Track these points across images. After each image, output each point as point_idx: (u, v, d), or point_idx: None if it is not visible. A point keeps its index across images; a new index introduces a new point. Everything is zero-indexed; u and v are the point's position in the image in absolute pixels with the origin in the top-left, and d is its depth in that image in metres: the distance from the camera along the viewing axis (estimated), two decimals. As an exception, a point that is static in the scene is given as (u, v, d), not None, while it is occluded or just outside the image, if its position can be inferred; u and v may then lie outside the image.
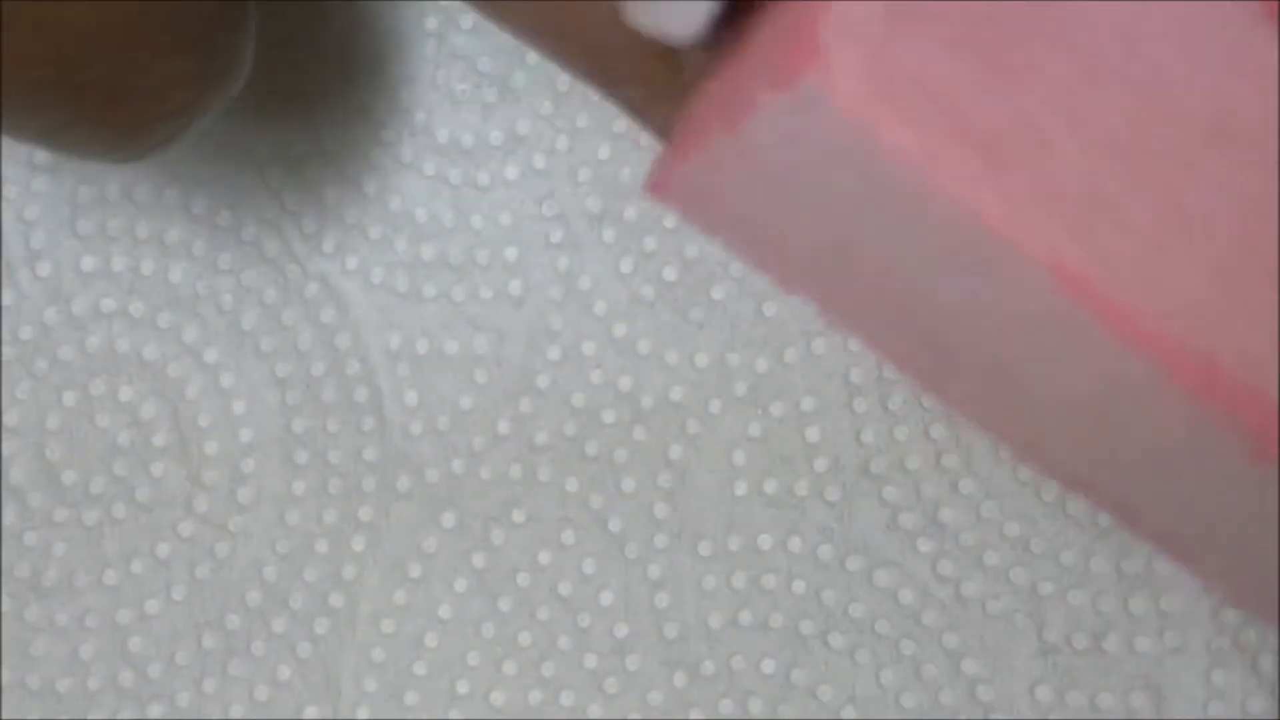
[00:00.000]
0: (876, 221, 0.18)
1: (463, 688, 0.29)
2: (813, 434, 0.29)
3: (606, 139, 0.30)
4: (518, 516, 0.29)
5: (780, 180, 0.18)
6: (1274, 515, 0.19)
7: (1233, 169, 0.18)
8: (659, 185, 0.19)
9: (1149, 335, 0.17)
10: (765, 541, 0.29)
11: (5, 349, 0.30)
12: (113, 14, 0.23)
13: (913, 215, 0.18)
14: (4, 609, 0.30)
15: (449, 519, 0.29)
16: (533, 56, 0.30)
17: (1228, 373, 0.17)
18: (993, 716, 0.28)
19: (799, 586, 0.29)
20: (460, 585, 0.29)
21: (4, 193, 0.31)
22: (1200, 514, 0.20)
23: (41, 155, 0.31)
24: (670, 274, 0.29)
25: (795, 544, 0.29)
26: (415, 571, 0.29)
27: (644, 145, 0.30)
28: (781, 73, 0.17)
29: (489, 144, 0.30)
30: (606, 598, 0.29)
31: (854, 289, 0.20)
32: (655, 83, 0.22)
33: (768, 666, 0.28)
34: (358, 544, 0.29)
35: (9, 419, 0.30)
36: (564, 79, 0.30)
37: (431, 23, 0.30)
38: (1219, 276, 0.17)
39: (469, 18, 0.30)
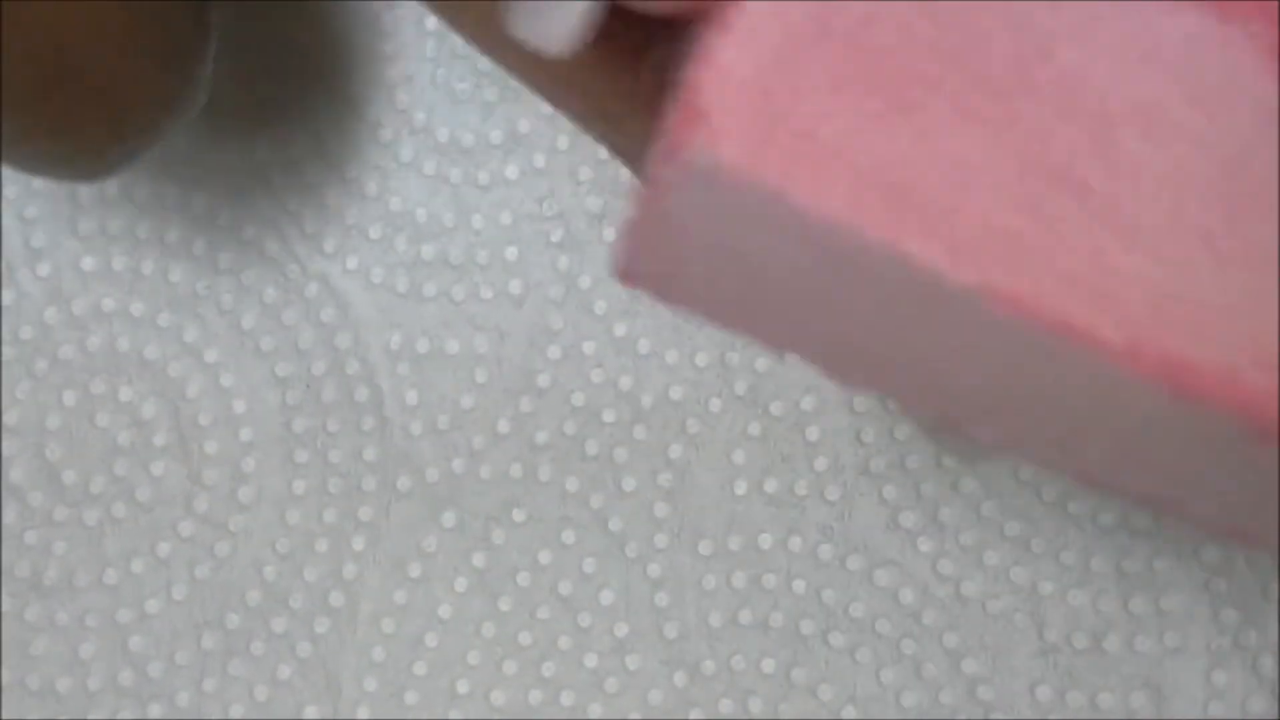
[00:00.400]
0: (812, 274, 0.18)
1: (463, 687, 0.29)
2: (813, 433, 0.29)
3: (606, 139, 0.30)
4: (518, 516, 0.29)
5: (716, 248, 0.18)
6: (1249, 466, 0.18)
7: (1156, 158, 0.17)
8: (624, 274, 0.19)
9: (1097, 338, 0.17)
10: (765, 541, 0.29)
11: (5, 349, 0.30)
12: (91, 28, 0.23)
13: (840, 264, 0.17)
14: (4, 609, 0.30)
15: (449, 518, 0.29)
16: (533, 56, 0.30)
17: (1181, 358, 0.17)
18: (993, 716, 0.28)
19: (799, 586, 0.29)
20: (460, 585, 0.29)
21: (4, 193, 0.31)
22: (1176, 477, 0.20)
23: (42, 155, 0.31)
24: (670, 274, 0.29)
25: (795, 543, 0.29)
26: (415, 571, 0.29)
27: (644, 145, 0.30)
28: (672, 143, 0.17)
29: (489, 143, 0.30)
30: (606, 597, 0.29)
31: (825, 339, 0.20)
32: (590, 98, 0.22)
33: (768, 666, 0.28)
34: (358, 543, 0.29)
35: (9, 419, 0.30)
36: (564, 79, 0.30)
37: (431, 23, 0.30)
38: (1162, 268, 0.17)
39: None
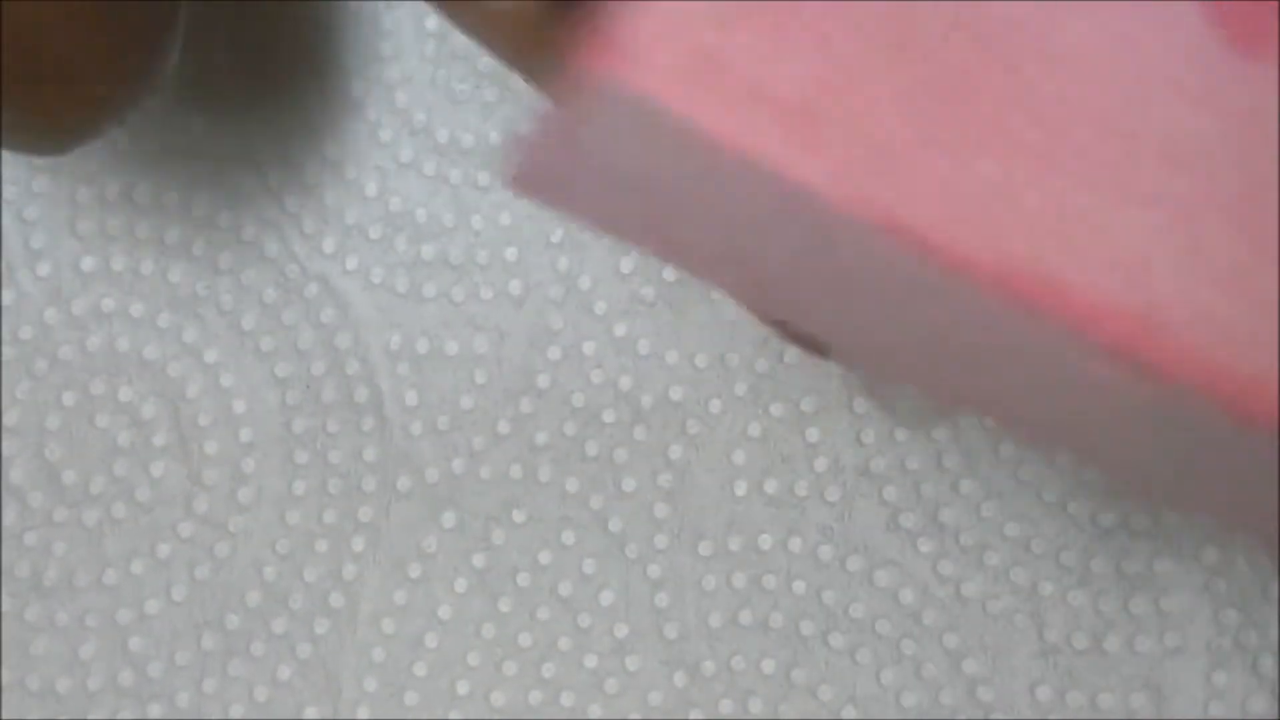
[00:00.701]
0: (715, 197, 0.18)
1: (463, 688, 0.29)
2: (813, 434, 0.29)
3: (606, 139, 0.30)
4: (518, 516, 0.29)
5: (618, 166, 0.18)
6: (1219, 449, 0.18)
7: (1065, 88, 0.17)
8: (516, 183, 0.19)
9: (991, 273, 0.17)
10: (765, 541, 0.29)
11: (5, 349, 0.30)
12: (61, 8, 0.23)
13: (747, 193, 0.17)
14: (4, 609, 0.30)
15: (449, 519, 0.29)
16: (533, 56, 0.30)
17: (1075, 290, 0.17)
18: (993, 716, 0.28)
19: (799, 586, 0.29)
20: (460, 585, 0.29)
21: (4, 193, 0.31)
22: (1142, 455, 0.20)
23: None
24: (670, 274, 0.29)
25: (795, 544, 0.29)
26: (415, 571, 0.29)
27: (644, 145, 0.30)
28: (599, 67, 0.17)
29: (489, 143, 0.30)
30: (606, 598, 0.29)
31: (720, 259, 0.19)
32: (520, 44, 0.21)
33: (768, 666, 0.28)
34: (358, 544, 0.29)
35: (9, 419, 0.30)
36: (564, 79, 0.30)
37: (431, 23, 0.30)
38: (1070, 205, 0.17)
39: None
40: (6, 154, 0.31)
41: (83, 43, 0.24)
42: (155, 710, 0.29)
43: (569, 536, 0.29)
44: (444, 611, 0.29)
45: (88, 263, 0.30)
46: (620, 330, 0.29)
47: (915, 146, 0.17)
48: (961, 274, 0.17)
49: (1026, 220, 0.17)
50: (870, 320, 0.19)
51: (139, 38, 0.24)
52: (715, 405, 0.29)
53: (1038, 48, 0.17)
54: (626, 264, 0.29)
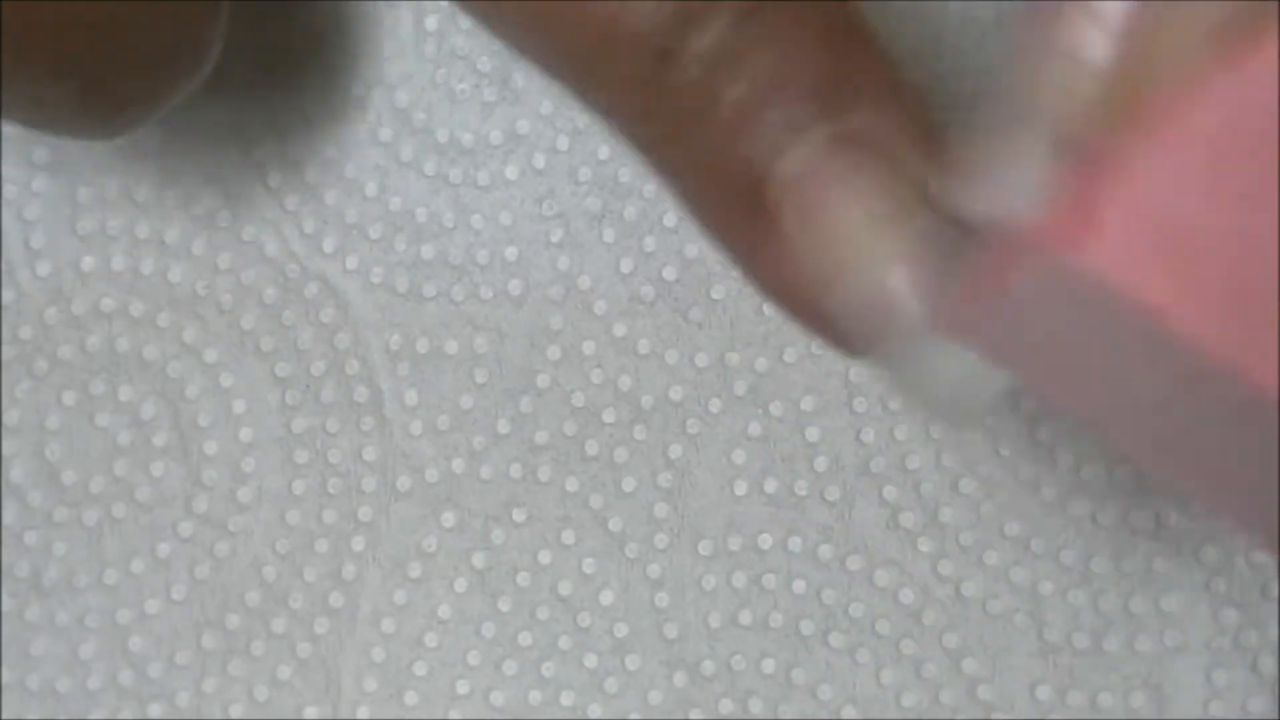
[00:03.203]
0: (1175, 393, 0.18)
1: (463, 688, 0.29)
2: (813, 434, 0.29)
3: (606, 139, 0.30)
4: (518, 516, 0.29)
5: (1059, 326, 0.18)
6: None
7: None
8: (947, 330, 0.19)
9: None
10: (765, 541, 0.29)
11: (5, 349, 0.30)
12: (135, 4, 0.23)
13: (1194, 386, 0.17)
14: (4, 609, 0.30)
15: (449, 519, 0.29)
16: (533, 56, 0.30)
17: None
18: (993, 716, 0.28)
19: (799, 586, 0.29)
20: (460, 585, 0.29)
21: (4, 193, 0.31)
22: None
23: (41, 155, 0.31)
24: (670, 274, 0.29)
25: (795, 544, 0.29)
26: (415, 571, 0.29)
27: (644, 145, 0.30)
28: (1060, 242, 0.17)
29: (489, 144, 0.30)
30: (606, 597, 0.29)
31: (1156, 438, 0.19)
32: (640, 98, 0.21)
33: (768, 666, 0.28)
34: (358, 544, 0.29)
35: (9, 419, 0.30)
36: (564, 79, 0.30)
37: (431, 23, 0.30)
38: None
39: (469, 18, 0.30)
40: (6, 153, 0.31)
41: (151, 32, 0.24)
42: (155, 710, 0.29)
43: (569, 536, 0.29)
44: (444, 611, 0.29)
45: (88, 263, 0.30)
46: (620, 330, 0.29)
47: None
48: None
49: None
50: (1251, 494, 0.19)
51: (195, 26, 0.25)
52: (715, 405, 0.29)
53: None
54: (626, 264, 0.29)
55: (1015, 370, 0.20)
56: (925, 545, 0.28)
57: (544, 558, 0.29)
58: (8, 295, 0.30)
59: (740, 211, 0.21)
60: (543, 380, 0.29)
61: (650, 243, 0.29)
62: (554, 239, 0.30)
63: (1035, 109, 0.18)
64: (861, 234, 0.20)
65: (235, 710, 0.29)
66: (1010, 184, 0.18)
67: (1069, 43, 0.17)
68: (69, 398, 0.30)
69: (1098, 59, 0.17)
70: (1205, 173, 0.17)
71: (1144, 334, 0.17)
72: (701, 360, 0.29)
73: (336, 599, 0.29)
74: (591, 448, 0.29)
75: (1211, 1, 0.17)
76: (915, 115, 0.20)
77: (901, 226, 0.19)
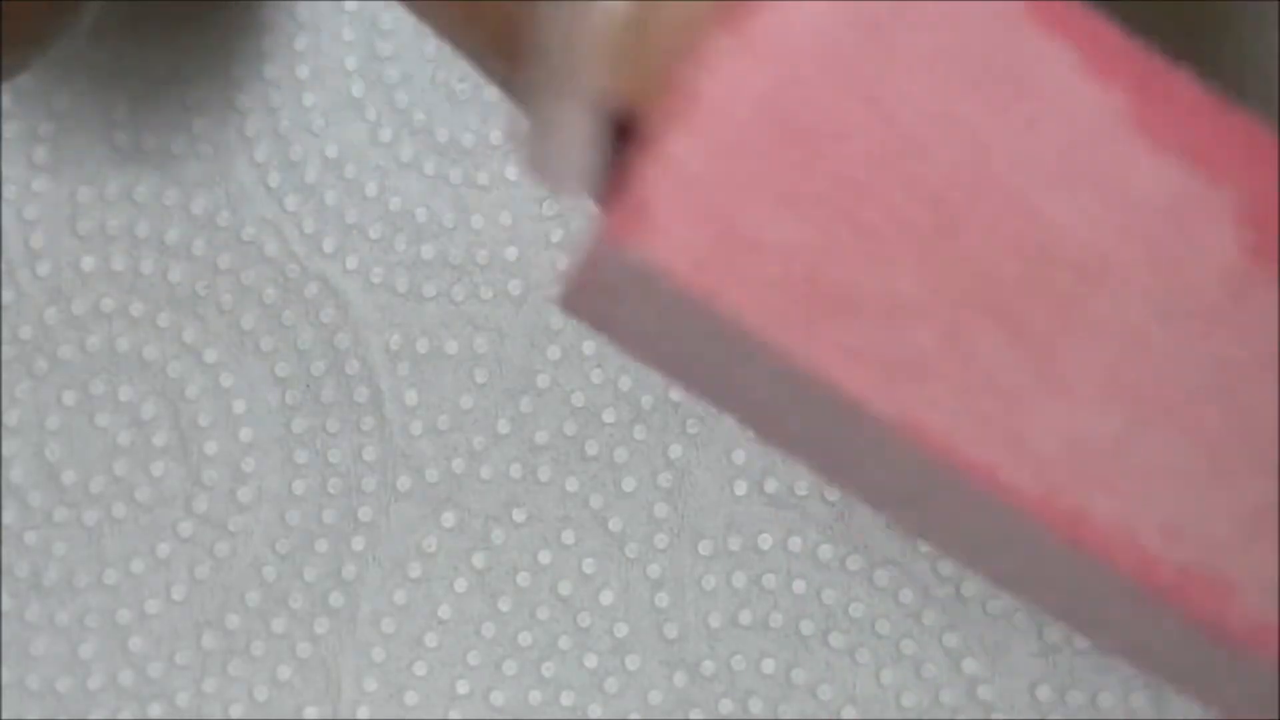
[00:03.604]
0: (738, 371, 0.18)
1: (463, 688, 0.29)
2: (813, 434, 0.29)
3: (606, 139, 0.30)
4: (518, 516, 0.29)
5: (648, 322, 0.18)
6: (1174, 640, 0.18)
7: (1112, 310, 0.17)
8: (564, 306, 0.19)
9: (1010, 488, 0.17)
10: (765, 541, 0.29)
11: (5, 349, 0.30)
12: None
13: (770, 374, 0.17)
14: (4, 609, 0.30)
15: (449, 518, 0.29)
16: (533, 56, 0.30)
17: (1094, 520, 0.17)
18: (993, 716, 0.28)
19: (799, 586, 0.29)
20: (460, 585, 0.29)
21: (4, 193, 0.31)
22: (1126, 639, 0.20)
23: (41, 155, 0.31)
24: (670, 274, 0.29)
25: (795, 544, 0.29)
26: (415, 571, 0.29)
27: (644, 145, 0.30)
28: (613, 233, 0.16)
29: (489, 143, 0.30)
30: (606, 597, 0.29)
31: (750, 415, 0.19)
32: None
33: (768, 666, 0.28)
34: (358, 544, 0.29)
35: (9, 419, 0.30)
36: (564, 79, 0.30)
37: (431, 23, 0.30)
38: (1089, 426, 0.17)
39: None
40: (6, 153, 0.31)
41: None
42: (155, 710, 0.29)
43: (569, 536, 0.29)
44: (444, 611, 0.29)
45: (88, 263, 0.30)
46: (620, 330, 0.29)
47: (948, 359, 0.17)
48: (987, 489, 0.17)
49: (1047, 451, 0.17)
50: (878, 484, 0.19)
51: None
52: (715, 405, 0.29)
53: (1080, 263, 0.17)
54: (626, 264, 0.29)
55: (645, 363, 0.19)
56: (925, 545, 0.28)
57: (544, 558, 0.29)
58: (8, 295, 0.30)
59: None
60: (543, 380, 0.29)
61: (650, 243, 0.29)
62: (554, 239, 0.30)
63: (568, 65, 0.17)
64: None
65: (235, 710, 0.29)
66: (550, 152, 0.17)
67: None
68: (69, 398, 0.30)
69: (619, 10, 0.17)
70: (747, 159, 0.16)
71: (720, 330, 0.17)
72: (701, 360, 0.29)
73: (336, 599, 0.29)
74: (591, 448, 0.29)
75: None
76: None
77: None
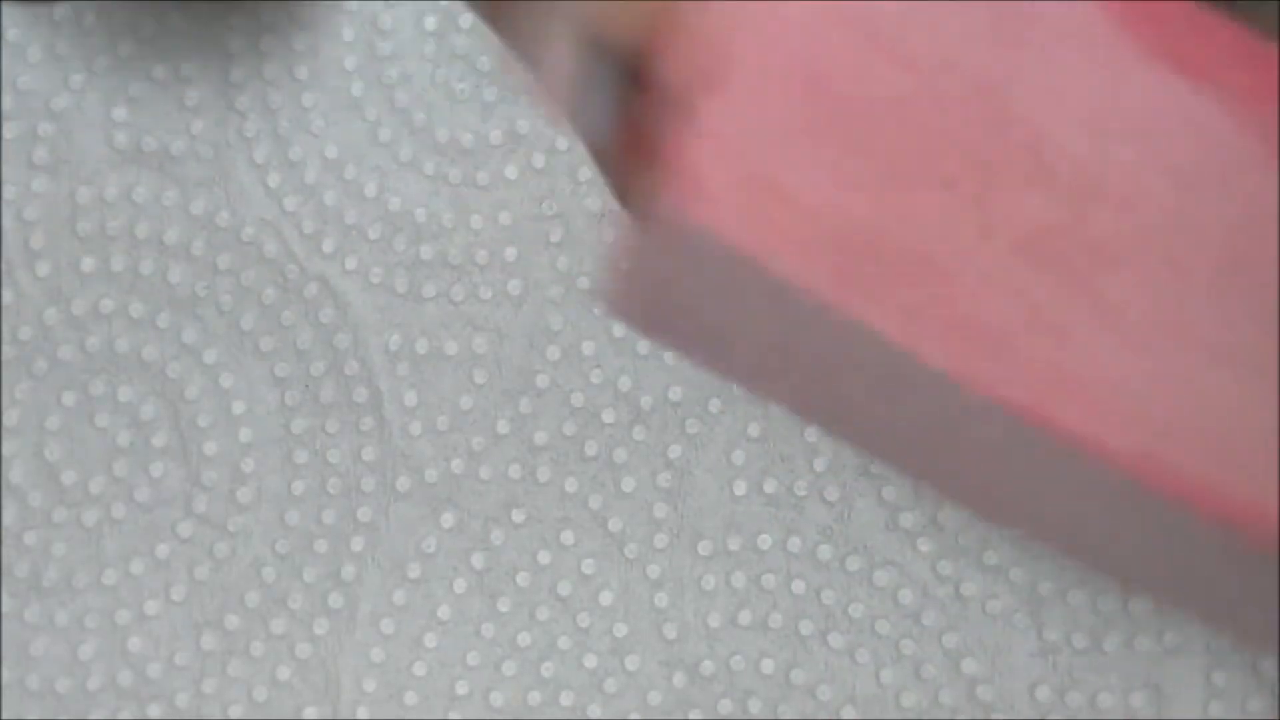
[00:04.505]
0: (790, 334, 0.18)
1: (462, 688, 0.29)
2: (812, 434, 0.29)
3: (606, 139, 0.30)
4: (517, 516, 0.29)
5: (696, 296, 0.18)
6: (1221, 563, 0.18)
7: (1141, 243, 0.17)
8: (610, 311, 0.19)
9: (1053, 421, 0.17)
10: (765, 541, 0.29)
11: (5, 349, 0.30)
12: None
13: (821, 331, 0.17)
14: (4, 609, 0.30)
15: (448, 519, 0.29)
16: (532, 56, 0.30)
17: (1171, 464, 0.17)
18: (993, 716, 0.28)
19: (798, 586, 0.29)
20: (460, 585, 0.29)
21: (4, 193, 0.31)
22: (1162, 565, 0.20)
23: (41, 155, 0.31)
24: (670, 274, 0.29)
25: (795, 544, 0.29)
26: (415, 571, 0.29)
27: (643, 145, 0.30)
28: (656, 203, 0.17)
29: (489, 143, 0.30)
30: (606, 598, 0.29)
31: (799, 391, 0.19)
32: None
33: (767, 666, 0.28)
34: (357, 544, 0.29)
35: (9, 419, 0.30)
36: (563, 79, 0.30)
37: (431, 23, 0.30)
38: (1138, 358, 0.17)
39: (468, 17, 0.30)
40: (6, 154, 0.31)
41: None
42: (155, 710, 0.29)
43: (568, 536, 0.29)
44: (444, 611, 0.29)
45: (88, 263, 0.30)
46: (620, 330, 0.29)
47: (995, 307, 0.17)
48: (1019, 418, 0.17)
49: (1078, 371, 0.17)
50: (918, 442, 0.19)
51: None
52: (715, 405, 0.29)
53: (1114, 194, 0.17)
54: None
55: (669, 343, 0.19)
56: (925, 545, 0.28)
57: (543, 558, 0.29)
58: (8, 295, 0.30)
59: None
60: (542, 380, 0.29)
61: (650, 243, 0.29)
62: (554, 239, 0.30)
63: (575, 11, 0.17)
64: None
65: (235, 711, 0.29)
66: (566, 93, 0.17)
67: None
68: (69, 398, 0.30)
69: None
70: (789, 122, 0.16)
71: (764, 287, 0.17)
72: (701, 360, 0.29)
73: (336, 599, 0.29)
74: (591, 448, 0.29)
75: None
76: None
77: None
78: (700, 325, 0.19)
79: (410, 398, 0.29)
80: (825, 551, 0.29)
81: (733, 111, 0.16)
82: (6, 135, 0.31)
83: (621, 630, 0.29)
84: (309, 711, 0.29)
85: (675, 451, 0.29)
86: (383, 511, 0.29)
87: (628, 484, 0.29)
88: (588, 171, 0.30)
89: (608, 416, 0.29)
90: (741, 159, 0.16)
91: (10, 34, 0.31)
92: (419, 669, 0.29)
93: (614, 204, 0.29)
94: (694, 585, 0.29)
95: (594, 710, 0.29)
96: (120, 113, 0.31)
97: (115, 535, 0.30)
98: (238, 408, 0.30)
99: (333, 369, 0.30)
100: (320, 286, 0.30)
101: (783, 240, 0.16)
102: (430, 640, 0.29)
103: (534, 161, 0.30)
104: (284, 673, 0.29)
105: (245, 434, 0.30)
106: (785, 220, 0.16)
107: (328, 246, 0.30)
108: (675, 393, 0.29)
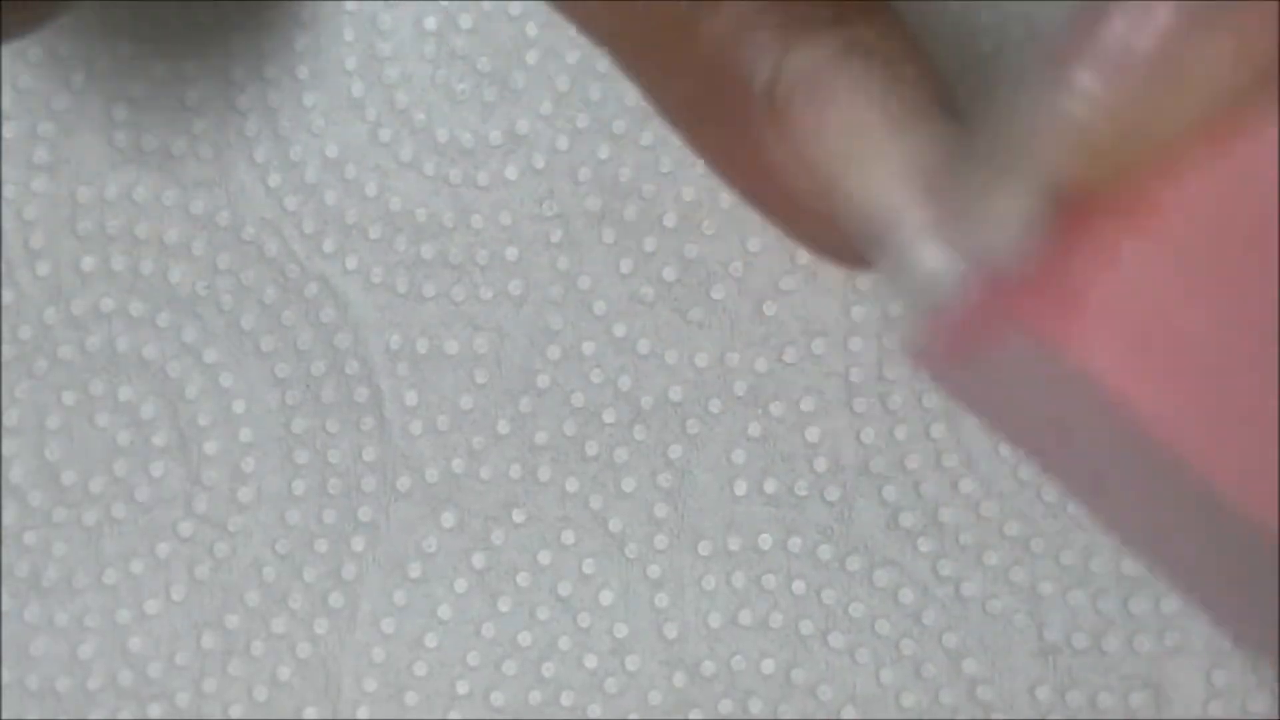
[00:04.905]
0: (1122, 465, 0.18)
1: (463, 688, 0.29)
2: (813, 434, 0.29)
3: (606, 139, 0.30)
4: (518, 516, 0.29)
5: (1028, 399, 0.18)
6: None
7: None
8: (924, 360, 0.19)
9: None
10: (765, 541, 0.29)
11: (5, 349, 0.30)
12: None
13: (1162, 474, 0.17)
14: (4, 609, 0.30)
15: (449, 519, 0.29)
16: (532, 56, 0.30)
17: None
18: (993, 716, 0.28)
19: (799, 586, 0.29)
20: (460, 585, 0.29)
21: (4, 193, 0.31)
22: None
23: (41, 155, 0.31)
24: (670, 274, 0.29)
25: (795, 544, 0.29)
26: (415, 571, 0.29)
27: (644, 145, 0.30)
28: (1035, 311, 0.17)
29: (489, 144, 0.30)
30: (606, 598, 0.29)
31: (1119, 513, 0.19)
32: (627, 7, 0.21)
33: (767, 666, 0.28)
34: (357, 544, 0.29)
35: (9, 419, 0.30)
36: (564, 79, 0.30)
37: (431, 23, 0.30)
38: None
39: (468, 17, 0.30)
40: (6, 153, 0.31)
41: None
42: (155, 710, 0.29)
43: (569, 536, 0.29)
44: (444, 611, 0.29)
45: (88, 263, 0.30)
46: (620, 330, 0.29)
47: None
48: None
49: None
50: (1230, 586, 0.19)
51: None
52: (715, 405, 0.29)
53: None
54: (626, 264, 0.29)
55: (983, 419, 0.20)
56: (925, 545, 0.28)
57: (544, 558, 0.29)
58: (8, 295, 0.30)
59: (737, 115, 0.21)
60: (543, 380, 0.29)
61: (650, 243, 0.29)
62: (554, 239, 0.30)
63: (1030, 151, 0.17)
64: (875, 130, 0.20)
65: (235, 710, 0.29)
66: (993, 222, 0.18)
67: (1080, 86, 0.17)
68: (69, 398, 0.30)
69: (1099, 111, 0.17)
70: (1191, 267, 0.16)
71: (1115, 421, 0.17)
72: (701, 360, 0.29)
73: (336, 599, 0.29)
74: (591, 448, 0.29)
75: (1211, 75, 0.16)
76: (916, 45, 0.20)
77: (911, 129, 0.20)
78: (1024, 417, 0.19)
79: (411, 397, 0.29)
80: (826, 551, 0.29)
81: (1143, 251, 0.16)
82: (6, 135, 0.31)
83: (622, 630, 0.29)
84: (309, 711, 0.29)
85: (675, 451, 0.29)
86: (383, 511, 0.29)
87: (628, 484, 0.29)
88: (588, 171, 0.30)
89: (608, 416, 0.29)
90: (1135, 297, 0.16)
91: (10, 33, 0.30)
92: (419, 669, 0.29)
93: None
94: (694, 585, 0.29)
95: (594, 710, 0.29)
96: (120, 113, 0.31)
97: (115, 535, 0.30)
98: (238, 407, 0.30)
99: (333, 369, 0.30)
100: (321, 286, 0.30)
101: (1148, 384, 0.16)
102: (431, 640, 0.29)
103: (534, 162, 0.30)
104: (284, 672, 0.29)
105: (245, 433, 0.30)
106: (1155, 365, 0.16)
107: (328, 246, 0.30)
108: (675, 393, 0.29)
